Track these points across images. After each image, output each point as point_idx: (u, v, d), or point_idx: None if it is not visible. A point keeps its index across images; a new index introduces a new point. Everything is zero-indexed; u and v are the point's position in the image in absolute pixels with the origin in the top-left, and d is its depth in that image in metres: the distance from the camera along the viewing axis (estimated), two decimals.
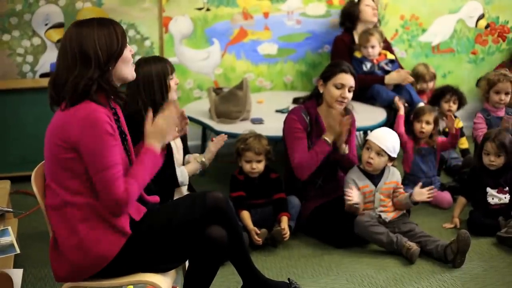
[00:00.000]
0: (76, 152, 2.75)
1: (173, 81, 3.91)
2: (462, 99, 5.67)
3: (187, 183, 4.01)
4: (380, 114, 5.39)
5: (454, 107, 5.63)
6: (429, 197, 4.31)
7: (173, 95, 3.90)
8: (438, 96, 5.68)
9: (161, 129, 2.95)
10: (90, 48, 2.76)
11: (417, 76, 6.17)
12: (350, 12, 5.94)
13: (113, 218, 2.83)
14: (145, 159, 2.89)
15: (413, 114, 5.12)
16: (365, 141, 4.46)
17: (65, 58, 2.80)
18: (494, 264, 4.13)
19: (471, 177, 4.73)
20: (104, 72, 2.80)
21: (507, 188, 4.58)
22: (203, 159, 4.10)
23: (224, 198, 3.14)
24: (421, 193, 4.30)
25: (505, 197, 4.57)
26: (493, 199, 4.57)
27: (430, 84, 6.16)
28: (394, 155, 4.38)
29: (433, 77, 6.20)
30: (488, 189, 4.56)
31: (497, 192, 4.56)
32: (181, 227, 2.98)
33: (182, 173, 3.95)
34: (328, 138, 4.37)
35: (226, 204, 3.14)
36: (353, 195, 4.22)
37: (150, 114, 2.96)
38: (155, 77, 3.83)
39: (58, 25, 5.65)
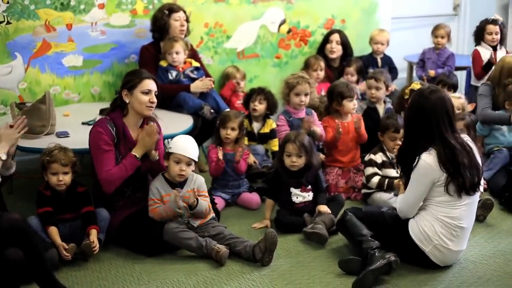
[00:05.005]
0: None
1: None
2: (270, 100, 5.77)
3: None
4: (186, 121, 5.45)
5: (260, 106, 5.73)
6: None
7: None
8: (248, 98, 5.81)
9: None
10: None
11: (228, 77, 6.33)
12: (160, 24, 5.94)
13: None
14: None
15: (219, 121, 5.22)
16: (169, 153, 4.46)
17: None
18: (301, 260, 4.30)
19: (274, 178, 4.88)
20: None
21: (309, 186, 4.78)
22: None
23: (20, 219, 3.09)
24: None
25: (308, 195, 4.78)
26: (297, 198, 4.76)
27: (242, 84, 6.34)
28: (196, 159, 4.50)
29: (244, 76, 6.41)
30: (292, 189, 4.75)
31: (301, 191, 4.76)
32: None
33: None
34: (137, 153, 4.41)
35: (23, 224, 3.11)
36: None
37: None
38: None
39: None
